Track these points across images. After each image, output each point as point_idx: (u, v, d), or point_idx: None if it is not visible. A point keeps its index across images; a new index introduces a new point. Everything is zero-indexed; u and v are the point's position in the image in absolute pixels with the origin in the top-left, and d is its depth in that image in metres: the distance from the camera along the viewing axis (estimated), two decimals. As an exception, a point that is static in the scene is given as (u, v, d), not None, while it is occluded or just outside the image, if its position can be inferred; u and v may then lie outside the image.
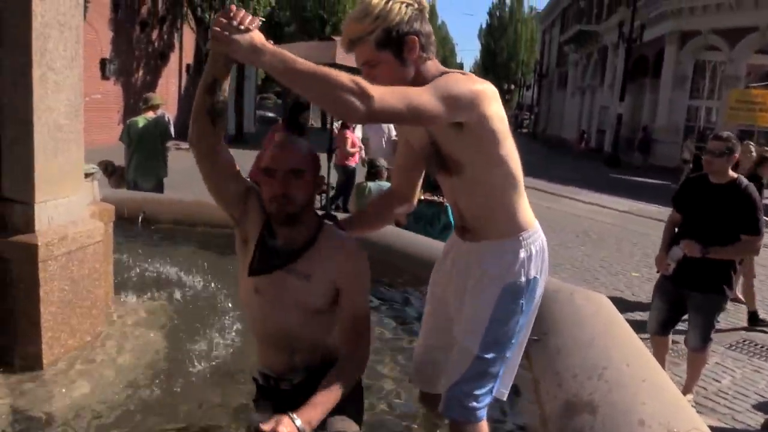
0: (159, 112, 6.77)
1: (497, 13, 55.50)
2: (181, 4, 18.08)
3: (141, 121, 6.50)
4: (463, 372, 1.78)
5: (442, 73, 1.71)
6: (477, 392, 1.77)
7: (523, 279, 1.78)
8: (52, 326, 2.21)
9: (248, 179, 1.91)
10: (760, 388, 4.31)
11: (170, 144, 6.87)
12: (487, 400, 1.82)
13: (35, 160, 2.12)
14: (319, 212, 1.95)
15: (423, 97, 1.53)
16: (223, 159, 1.79)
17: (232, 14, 1.52)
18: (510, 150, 1.73)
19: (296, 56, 1.50)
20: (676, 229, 3.97)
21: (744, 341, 5.20)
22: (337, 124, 9.64)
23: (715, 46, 21.90)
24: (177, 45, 20.32)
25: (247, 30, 1.51)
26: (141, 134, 6.39)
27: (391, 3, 1.65)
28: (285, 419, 1.52)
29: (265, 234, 1.81)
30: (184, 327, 2.81)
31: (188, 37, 20.15)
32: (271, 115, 37.10)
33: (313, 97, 1.53)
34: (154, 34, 19.03)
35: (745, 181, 3.77)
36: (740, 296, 6.02)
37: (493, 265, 1.79)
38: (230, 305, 3.12)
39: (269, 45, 1.53)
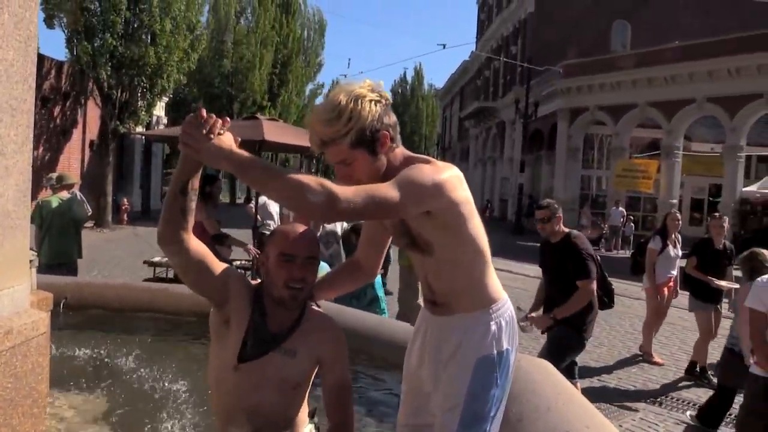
0: (72, 191, 6.51)
1: (399, 90, 58.10)
2: (86, 80, 17.62)
3: (54, 201, 6.20)
4: None
5: (407, 159, 1.78)
6: None
7: (495, 351, 1.83)
8: (-6, 429, 2.03)
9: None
10: (683, 439, 4.56)
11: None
12: None
13: (-19, 250, 2.00)
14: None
15: (389, 193, 1.58)
16: (194, 250, 1.79)
17: (202, 120, 1.56)
18: (477, 227, 1.81)
19: (259, 159, 1.57)
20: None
21: (663, 396, 5.49)
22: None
23: (602, 121, 23.91)
24: (81, 121, 19.67)
25: (217, 135, 1.56)
26: (56, 215, 6.08)
27: (360, 103, 1.68)
28: None
29: (257, 319, 1.81)
30: (129, 419, 2.65)
31: (93, 112, 19.59)
32: (177, 191, 36.27)
33: (280, 199, 1.60)
34: (56, 110, 18.37)
35: (575, 232, 4.41)
36: (654, 356, 6.45)
37: (465, 338, 1.82)
38: (172, 388, 2.99)
39: (236, 150, 1.58)
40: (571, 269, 4.17)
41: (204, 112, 1.59)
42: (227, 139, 1.58)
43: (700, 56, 19.76)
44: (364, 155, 1.71)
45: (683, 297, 11.23)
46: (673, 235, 6.77)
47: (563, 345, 4.29)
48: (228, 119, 1.64)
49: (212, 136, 1.56)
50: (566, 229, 4.41)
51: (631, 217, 21.38)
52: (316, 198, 1.48)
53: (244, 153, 1.58)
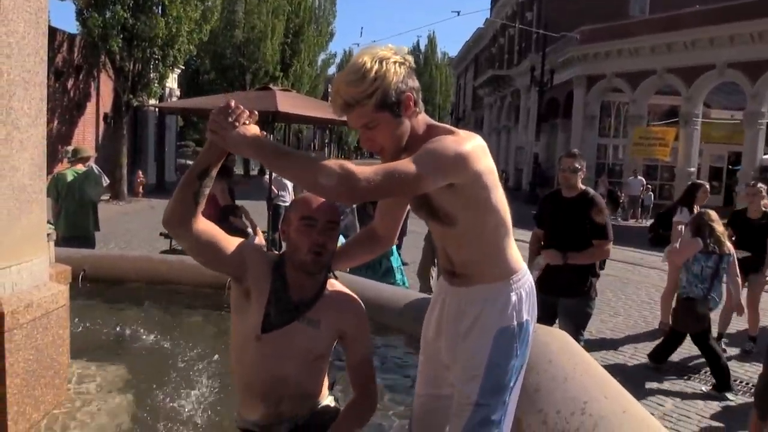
0: (88, 164, 6.53)
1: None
2: (99, 53, 17.58)
3: (70, 174, 6.23)
4: (465, 422, 1.78)
5: (429, 129, 1.75)
6: None
7: (515, 323, 1.81)
8: (18, 400, 2.06)
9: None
10: (699, 408, 4.56)
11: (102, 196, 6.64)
12: None
13: (-1, 224, 2.01)
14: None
15: (410, 169, 1.55)
16: (203, 232, 1.80)
17: (229, 110, 1.62)
18: (500, 198, 1.78)
19: (282, 145, 1.61)
20: (542, 243, 4.36)
21: (679, 365, 5.48)
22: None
23: (619, 89, 23.51)
24: (94, 94, 19.70)
25: (243, 125, 1.62)
26: (71, 188, 6.11)
27: (385, 64, 1.67)
28: None
29: (278, 289, 1.83)
30: (147, 388, 2.68)
31: (106, 85, 19.60)
32: (191, 162, 36.33)
33: (306, 185, 1.60)
34: (70, 83, 18.40)
35: (591, 191, 4.23)
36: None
37: (485, 309, 1.81)
38: (190, 360, 3.03)
39: (262, 138, 1.62)
40: (589, 227, 4.04)
41: (232, 103, 1.64)
42: (253, 129, 1.63)
43: (721, 20, 19.23)
44: (387, 118, 1.69)
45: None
46: (698, 208, 6.65)
47: (587, 315, 4.26)
48: (255, 113, 1.69)
49: (238, 124, 1.61)
50: (582, 186, 4.21)
51: (650, 186, 21.10)
52: (338, 182, 1.49)
53: (269, 141, 1.64)
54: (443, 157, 1.61)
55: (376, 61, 1.66)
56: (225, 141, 1.63)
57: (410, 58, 1.75)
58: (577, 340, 4.16)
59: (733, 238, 6.07)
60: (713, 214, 5.32)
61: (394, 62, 1.68)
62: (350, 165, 1.51)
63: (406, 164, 1.57)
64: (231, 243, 1.85)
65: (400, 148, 1.72)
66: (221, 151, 1.74)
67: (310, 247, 1.79)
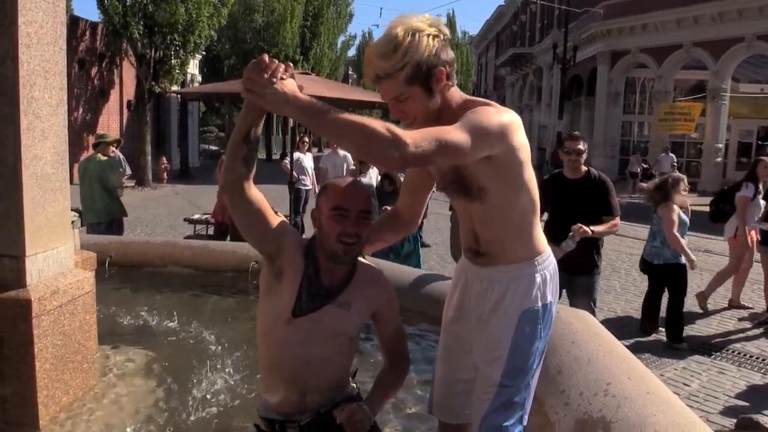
0: (113, 151, 6.61)
1: (433, 39, 56.79)
2: (121, 41, 17.73)
3: (92, 161, 6.32)
4: (489, 403, 1.77)
5: (466, 102, 1.71)
6: (507, 423, 1.77)
7: (539, 304, 1.80)
8: (47, 384, 2.11)
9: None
10: (726, 388, 4.50)
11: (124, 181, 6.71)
12: (518, 430, 1.81)
13: (24, 212, 2.04)
14: None
15: (458, 136, 1.52)
16: (256, 199, 1.77)
17: (264, 66, 1.51)
18: (531, 175, 1.76)
19: (324, 104, 1.50)
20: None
21: (705, 344, 5.41)
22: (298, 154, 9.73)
23: (644, 64, 23.02)
24: (117, 82, 19.90)
25: (280, 80, 1.51)
26: (90, 175, 6.20)
27: (418, 36, 1.62)
28: (357, 407, 1.74)
29: (311, 273, 1.82)
30: (174, 374, 2.73)
31: (128, 73, 19.77)
32: (213, 148, 36.55)
33: (348, 146, 1.52)
34: (93, 71, 18.60)
35: (594, 171, 4.27)
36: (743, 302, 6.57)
37: (510, 290, 1.79)
38: (217, 346, 3.06)
39: (300, 95, 1.52)
40: (600, 206, 4.13)
41: (266, 57, 1.53)
42: (291, 84, 1.53)
43: (750, -9, 18.70)
44: (418, 91, 1.66)
45: (725, 243, 10.99)
46: (763, 183, 6.52)
47: (597, 290, 4.44)
48: (291, 65, 1.59)
49: (275, 80, 1.50)
50: (584, 167, 4.27)
51: (676, 164, 20.65)
52: (385, 144, 1.43)
53: (309, 98, 1.52)
54: (487, 126, 1.58)
55: (408, 34, 1.61)
56: (263, 99, 1.53)
57: (446, 30, 1.70)
58: (594, 314, 4.25)
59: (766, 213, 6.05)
60: None
61: (428, 35, 1.63)
62: (397, 129, 1.46)
63: (453, 131, 1.53)
64: (275, 219, 1.82)
65: (430, 120, 1.68)
66: (261, 111, 1.66)
67: (339, 236, 1.76)
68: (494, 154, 1.63)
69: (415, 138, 1.46)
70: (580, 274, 4.23)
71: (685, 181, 5.53)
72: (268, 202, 1.84)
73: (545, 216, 4.23)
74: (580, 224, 3.99)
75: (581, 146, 4.18)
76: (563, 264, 3.98)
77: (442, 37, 1.67)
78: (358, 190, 1.82)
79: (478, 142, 1.55)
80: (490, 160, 1.64)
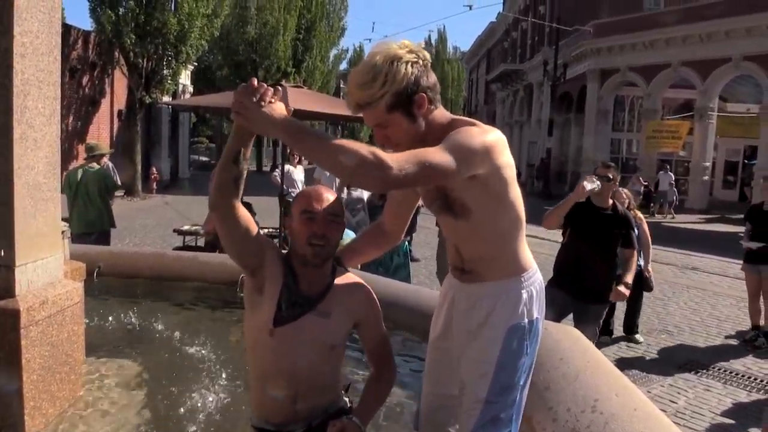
0: (104, 161, 6.59)
1: (424, 54, 57.16)
2: (113, 50, 17.71)
3: (80, 172, 6.30)
4: (475, 420, 1.77)
5: (451, 122, 1.73)
6: None
7: (526, 320, 1.81)
8: (34, 395, 2.10)
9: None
10: (712, 405, 4.53)
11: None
12: None
13: (15, 222, 2.04)
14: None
15: (441, 158, 1.54)
16: (242, 218, 1.82)
17: (252, 90, 1.56)
18: (517, 194, 1.78)
19: (310, 127, 1.55)
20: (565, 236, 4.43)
21: (692, 362, 5.45)
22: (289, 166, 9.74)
23: (633, 82, 23.28)
24: (108, 91, 19.85)
25: (268, 104, 1.55)
26: (81, 186, 6.18)
27: (396, 65, 1.64)
28: (347, 422, 1.76)
29: (289, 283, 1.86)
30: (163, 385, 2.71)
31: (120, 82, 19.74)
32: (204, 159, 36.46)
33: (333, 169, 1.54)
34: (85, 80, 18.55)
35: (620, 206, 4.40)
36: None
37: (496, 306, 1.80)
38: (205, 357, 3.05)
39: (287, 118, 1.56)
40: (622, 239, 4.27)
41: (255, 81, 1.58)
42: (279, 108, 1.57)
43: (737, 12, 18.96)
44: (400, 118, 1.68)
45: (714, 261, 11.05)
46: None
47: (602, 316, 4.51)
48: (279, 88, 1.64)
49: (263, 104, 1.55)
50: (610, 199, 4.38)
51: (672, 183, 20.68)
52: (369, 167, 1.46)
53: (296, 121, 1.57)
54: (470, 146, 1.60)
55: (387, 63, 1.64)
56: (251, 122, 1.58)
57: (426, 55, 1.72)
58: (597, 338, 4.41)
59: (750, 231, 6.10)
60: None
61: (406, 62, 1.66)
62: (381, 152, 1.48)
63: (436, 153, 1.55)
64: (258, 235, 1.88)
65: (416, 144, 1.69)
66: (250, 133, 1.71)
67: (308, 239, 1.81)
68: (479, 174, 1.65)
69: (399, 161, 1.49)
70: (597, 302, 4.31)
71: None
72: (258, 213, 1.87)
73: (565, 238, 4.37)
74: (621, 290, 4.24)
75: (611, 174, 4.26)
76: (579, 293, 4.20)
77: (421, 62, 1.69)
78: (326, 194, 1.86)
79: (462, 162, 1.57)
80: (474, 180, 1.66)
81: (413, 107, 1.69)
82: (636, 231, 5.86)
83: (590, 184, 3.98)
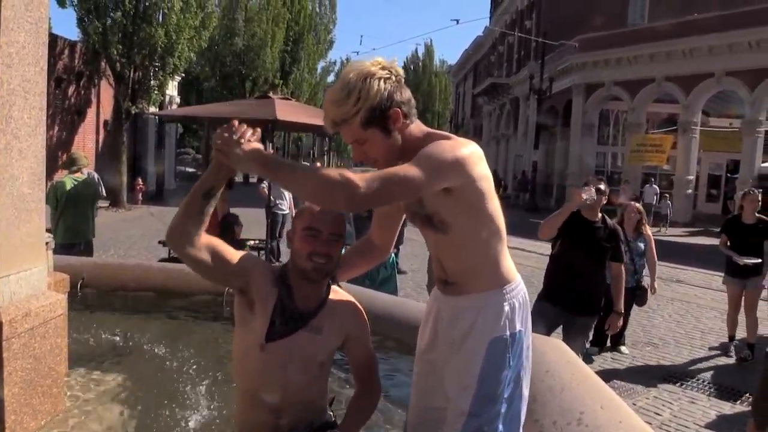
0: (85, 171, 6.56)
1: (411, 67, 57.62)
2: (99, 60, 17.63)
3: (69, 182, 6.25)
4: None
5: (426, 136, 1.76)
6: None
7: (508, 333, 1.81)
8: (15, 408, 2.07)
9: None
10: (697, 418, 4.56)
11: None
12: None
13: (-2, 233, 2.02)
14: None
15: (408, 173, 1.58)
16: (207, 245, 1.82)
17: (233, 129, 1.67)
18: (495, 206, 1.79)
19: (283, 159, 1.68)
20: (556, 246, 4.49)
21: (677, 374, 5.48)
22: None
23: (618, 97, 23.57)
24: (94, 101, 19.73)
25: (247, 142, 1.65)
26: (70, 196, 6.13)
27: (369, 81, 1.68)
28: None
29: (284, 298, 1.86)
30: (146, 398, 2.68)
31: (106, 93, 19.63)
32: (190, 170, 36.24)
33: (305, 196, 1.67)
34: (71, 90, 18.43)
35: (608, 219, 4.45)
36: None
37: (478, 319, 1.81)
38: (189, 369, 3.02)
39: (264, 153, 1.65)
40: (611, 251, 4.33)
41: (236, 123, 1.68)
42: (256, 145, 1.67)
43: (719, 29, 19.31)
44: (376, 133, 1.72)
45: (698, 274, 11.15)
46: None
47: (591, 329, 4.56)
48: (259, 129, 1.72)
49: (242, 142, 1.65)
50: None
51: (666, 195, 20.83)
52: (337, 188, 1.52)
53: (272, 155, 1.68)
54: (441, 159, 1.63)
55: (360, 80, 1.69)
56: (230, 159, 1.67)
57: (399, 71, 1.76)
58: (585, 351, 4.47)
59: (728, 244, 6.18)
60: None
61: (379, 79, 1.70)
62: (348, 173, 1.53)
63: (404, 168, 1.59)
64: (234, 256, 1.87)
65: (393, 159, 1.73)
66: (228, 171, 1.77)
67: (309, 254, 1.83)
68: (453, 187, 1.68)
69: (367, 180, 1.54)
70: (587, 314, 4.36)
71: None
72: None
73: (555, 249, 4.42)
74: (615, 321, 4.40)
75: (603, 187, 4.32)
76: (569, 304, 4.24)
77: (394, 78, 1.73)
78: (331, 213, 1.88)
79: (432, 176, 1.61)
80: (449, 193, 1.69)
81: (388, 122, 1.73)
82: (643, 246, 5.94)
83: (587, 194, 4.05)
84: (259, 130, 1.72)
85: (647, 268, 6.13)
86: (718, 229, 6.57)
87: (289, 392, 1.85)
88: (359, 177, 1.53)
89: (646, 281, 6.18)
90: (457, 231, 1.78)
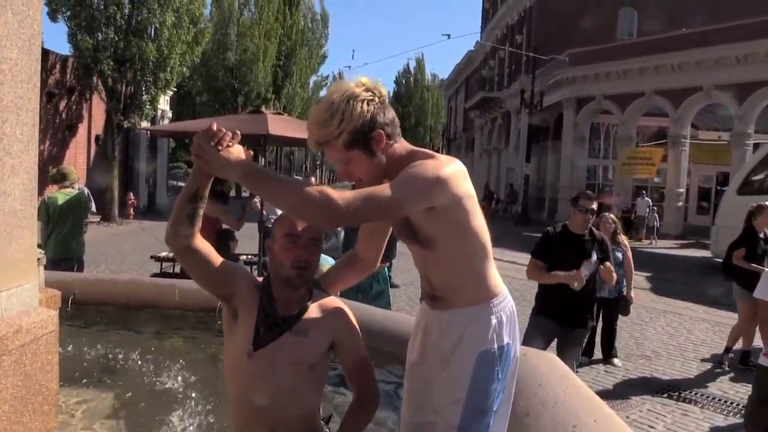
0: (76, 186, 6.54)
1: (403, 81, 57.95)
2: (91, 75, 17.61)
3: (61, 197, 6.22)
4: None
5: (410, 155, 1.77)
6: None
7: (495, 346, 1.82)
8: (6, 426, 2.05)
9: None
10: (690, 430, 4.56)
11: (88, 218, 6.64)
12: None
13: (-11, 249, 2.01)
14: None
15: (389, 193, 1.59)
16: (201, 250, 1.86)
17: (211, 134, 1.65)
18: (479, 222, 1.81)
19: (265, 169, 1.66)
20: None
21: (670, 386, 5.49)
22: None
23: (608, 110, 23.77)
24: (86, 116, 19.69)
25: (226, 147, 1.65)
26: (63, 211, 6.10)
27: (352, 103, 1.69)
28: None
29: (265, 305, 1.88)
30: (138, 415, 2.67)
31: (98, 107, 19.60)
32: (182, 184, 36.14)
33: (284, 207, 1.66)
34: (62, 105, 18.39)
35: (596, 232, 4.57)
36: None
37: (465, 333, 1.82)
38: (181, 385, 3.00)
39: (243, 161, 1.65)
40: (600, 262, 4.39)
41: (214, 126, 1.66)
42: (236, 151, 1.66)
43: (707, 43, 19.55)
44: (360, 154, 1.73)
45: (688, 286, 11.19)
46: None
47: (585, 340, 4.68)
48: (238, 132, 1.71)
49: (221, 148, 1.65)
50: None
51: (656, 208, 20.92)
52: (318, 207, 1.53)
53: (252, 164, 1.67)
54: (423, 180, 1.64)
55: (343, 101, 1.70)
56: (210, 165, 1.66)
57: (383, 91, 1.78)
58: (578, 362, 4.57)
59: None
60: None
61: (362, 100, 1.71)
62: (330, 190, 1.55)
63: (386, 188, 1.61)
64: (222, 264, 1.90)
65: (377, 179, 1.74)
66: (208, 175, 1.77)
67: (293, 263, 1.84)
68: (437, 205, 1.69)
69: (348, 199, 1.55)
70: (582, 326, 4.44)
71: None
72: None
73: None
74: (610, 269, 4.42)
75: (594, 206, 4.42)
76: (564, 318, 4.32)
77: (377, 100, 1.74)
78: None
79: (414, 195, 1.63)
80: (434, 211, 1.71)
81: (371, 144, 1.73)
82: (620, 256, 5.99)
83: (586, 269, 4.21)
84: (239, 133, 1.71)
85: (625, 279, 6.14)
86: (709, 242, 6.57)
87: (279, 398, 1.85)
88: (340, 195, 1.54)
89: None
90: (443, 247, 1.79)
